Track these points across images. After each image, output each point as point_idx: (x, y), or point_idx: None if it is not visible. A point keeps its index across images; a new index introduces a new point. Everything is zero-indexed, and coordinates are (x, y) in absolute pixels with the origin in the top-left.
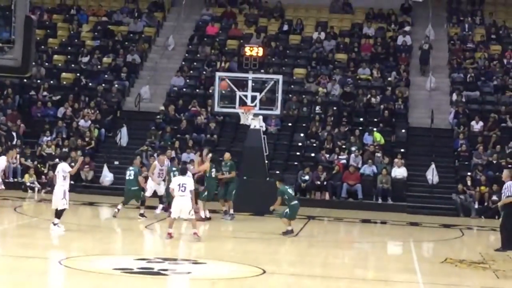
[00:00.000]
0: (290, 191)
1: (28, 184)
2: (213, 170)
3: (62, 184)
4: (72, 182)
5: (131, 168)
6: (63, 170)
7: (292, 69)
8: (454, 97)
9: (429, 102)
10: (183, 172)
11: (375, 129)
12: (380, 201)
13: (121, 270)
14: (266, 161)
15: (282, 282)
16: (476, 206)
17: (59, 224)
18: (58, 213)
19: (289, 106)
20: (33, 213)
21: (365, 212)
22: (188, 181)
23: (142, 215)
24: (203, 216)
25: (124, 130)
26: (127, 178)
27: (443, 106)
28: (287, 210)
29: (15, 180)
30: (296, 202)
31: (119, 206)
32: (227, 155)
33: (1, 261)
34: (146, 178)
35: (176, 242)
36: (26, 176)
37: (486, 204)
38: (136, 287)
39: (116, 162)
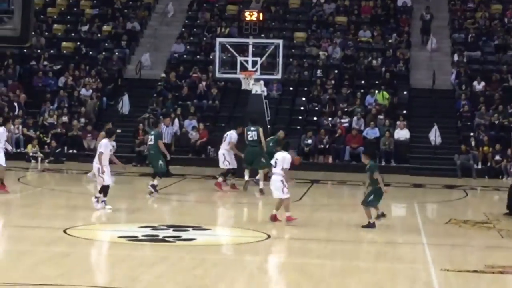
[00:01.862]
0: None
1: (31, 154)
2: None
3: (96, 160)
4: (75, 151)
5: (152, 132)
6: (101, 145)
7: (292, 33)
8: (456, 57)
9: (430, 63)
10: (284, 147)
11: (376, 91)
12: (383, 163)
13: (126, 238)
14: (268, 126)
15: (287, 246)
16: (480, 166)
17: (105, 201)
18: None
19: (290, 71)
20: (36, 183)
21: None
22: (281, 157)
23: (153, 186)
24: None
25: (125, 98)
26: (148, 143)
27: (445, 67)
28: (372, 196)
29: (18, 150)
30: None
31: (152, 182)
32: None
33: (6, 231)
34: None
35: (181, 209)
36: (29, 146)
37: (489, 164)
38: (142, 255)
39: (118, 130)
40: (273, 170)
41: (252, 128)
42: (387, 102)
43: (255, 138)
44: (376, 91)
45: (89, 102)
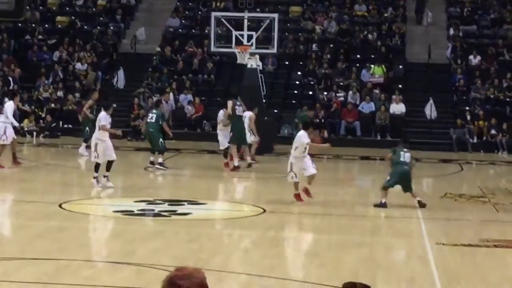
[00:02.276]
0: (401, 153)
1: (26, 129)
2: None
3: (96, 136)
4: (70, 125)
5: (154, 111)
6: (100, 119)
7: (287, 7)
8: (451, 31)
9: (426, 37)
10: (304, 126)
11: (372, 65)
12: (378, 137)
13: (121, 212)
14: (264, 100)
15: (282, 220)
16: (475, 140)
17: (98, 178)
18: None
19: (286, 45)
20: (32, 157)
21: (364, 149)
22: (297, 136)
23: (161, 164)
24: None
25: (120, 72)
26: (148, 120)
27: (440, 41)
28: (388, 177)
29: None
30: (401, 167)
31: (151, 158)
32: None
33: (2, 205)
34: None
35: (176, 184)
36: (26, 121)
37: (484, 138)
38: (137, 229)
39: (114, 105)
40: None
41: (238, 103)
42: (383, 74)
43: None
44: (372, 65)
45: (89, 75)
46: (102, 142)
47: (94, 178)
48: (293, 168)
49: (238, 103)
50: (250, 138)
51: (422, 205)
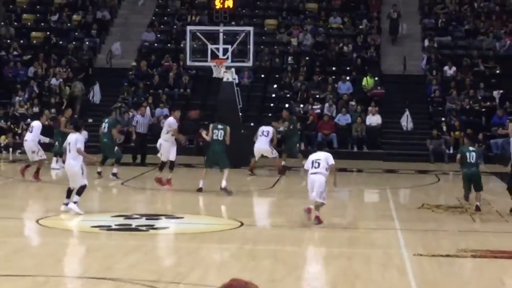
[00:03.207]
0: (467, 154)
1: (2, 145)
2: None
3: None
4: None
5: (106, 120)
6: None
7: (263, 20)
8: (426, 43)
9: (401, 49)
10: (319, 147)
11: (366, 77)
12: (355, 149)
13: (99, 227)
14: (240, 114)
15: (260, 233)
16: (451, 151)
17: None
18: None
19: (261, 58)
20: (9, 173)
21: (341, 161)
22: (323, 156)
23: (114, 174)
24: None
25: (96, 87)
26: (101, 130)
27: (415, 53)
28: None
29: None
30: (468, 169)
31: (99, 169)
32: (285, 113)
33: None
34: (122, 131)
35: (153, 198)
36: (3, 137)
37: None
38: (115, 244)
39: (90, 120)
40: (315, 169)
41: (219, 126)
42: (373, 83)
43: (221, 137)
44: (366, 77)
45: (77, 87)
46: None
47: (64, 204)
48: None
49: (219, 126)
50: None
51: (477, 209)
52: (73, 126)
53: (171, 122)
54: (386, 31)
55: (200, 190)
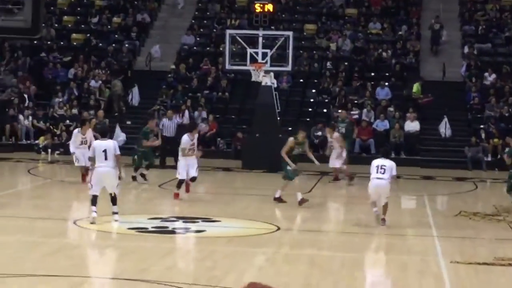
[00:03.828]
0: None
1: (41, 146)
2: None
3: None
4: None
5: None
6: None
7: (302, 25)
8: (466, 49)
9: (440, 55)
10: (385, 154)
11: (416, 83)
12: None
13: (135, 229)
14: (278, 118)
15: (296, 238)
16: (490, 158)
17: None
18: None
19: (300, 62)
20: (47, 174)
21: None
22: (389, 164)
23: (134, 178)
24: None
25: (135, 89)
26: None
27: (455, 59)
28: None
29: (28, 142)
30: None
31: (145, 171)
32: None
33: (17, 222)
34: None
35: (190, 201)
36: (42, 138)
37: (499, 156)
38: (151, 247)
39: (128, 122)
40: (380, 175)
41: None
42: (420, 91)
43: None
44: (416, 84)
45: (117, 88)
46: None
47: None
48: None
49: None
50: None
51: None
52: (98, 132)
53: (183, 140)
54: (425, 37)
55: (303, 201)
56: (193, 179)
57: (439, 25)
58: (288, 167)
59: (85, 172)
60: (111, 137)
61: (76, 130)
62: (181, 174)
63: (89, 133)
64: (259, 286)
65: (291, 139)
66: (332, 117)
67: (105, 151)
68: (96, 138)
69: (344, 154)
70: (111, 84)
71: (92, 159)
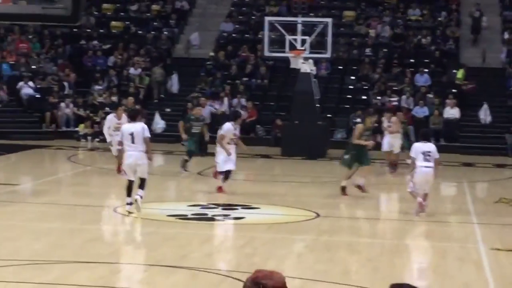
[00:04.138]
0: None
1: (81, 133)
2: None
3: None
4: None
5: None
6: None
7: (341, 12)
8: (506, 35)
9: (480, 41)
10: (425, 136)
11: (458, 70)
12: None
13: (175, 216)
14: (317, 105)
15: (336, 225)
16: None
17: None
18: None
19: (339, 49)
20: (87, 162)
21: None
22: (433, 149)
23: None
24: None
25: (174, 77)
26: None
27: (495, 45)
28: None
29: (68, 129)
30: None
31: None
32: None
33: (57, 209)
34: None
35: (230, 188)
36: (82, 126)
37: None
38: (191, 233)
39: (168, 109)
40: (427, 163)
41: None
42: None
43: None
44: (461, 70)
45: (157, 75)
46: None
47: (128, 204)
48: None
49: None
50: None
51: None
52: (128, 115)
53: (225, 128)
54: (465, 23)
55: (359, 188)
56: (228, 173)
57: (479, 12)
58: (346, 156)
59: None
60: (149, 124)
61: (110, 115)
62: (220, 165)
63: (125, 119)
64: (266, 272)
65: (359, 125)
66: (372, 104)
67: (132, 134)
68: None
69: (399, 140)
70: (151, 71)
71: (121, 143)
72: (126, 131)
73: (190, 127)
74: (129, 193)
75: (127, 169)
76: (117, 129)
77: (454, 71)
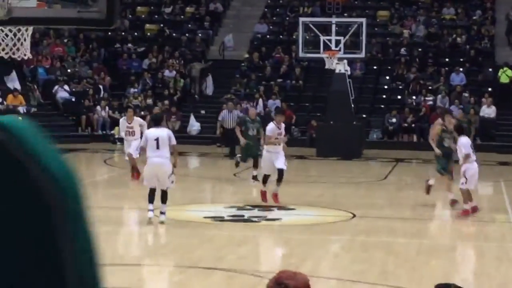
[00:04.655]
0: None
1: (117, 136)
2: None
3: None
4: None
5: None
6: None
7: (375, 12)
8: None
9: None
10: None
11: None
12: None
13: (211, 218)
14: (352, 105)
15: (372, 225)
16: None
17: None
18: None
19: (374, 49)
20: (122, 164)
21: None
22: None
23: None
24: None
25: (209, 79)
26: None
27: None
28: None
29: (104, 132)
30: None
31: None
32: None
33: (94, 212)
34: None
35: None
36: (117, 129)
37: None
38: (228, 235)
39: (203, 111)
40: (475, 157)
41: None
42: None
43: None
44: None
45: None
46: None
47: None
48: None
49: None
50: None
51: None
52: (152, 119)
53: (268, 128)
54: (500, 22)
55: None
56: (281, 172)
57: None
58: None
59: (133, 166)
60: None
61: (122, 119)
62: (264, 168)
63: (136, 122)
64: (289, 273)
65: (438, 126)
66: (407, 103)
67: (157, 139)
68: (149, 127)
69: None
70: (189, 66)
71: (143, 149)
72: (151, 136)
73: (247, 130)
74: (151, 200)
75: (149, 176)
76: (129, 133)
77: (490, 69)
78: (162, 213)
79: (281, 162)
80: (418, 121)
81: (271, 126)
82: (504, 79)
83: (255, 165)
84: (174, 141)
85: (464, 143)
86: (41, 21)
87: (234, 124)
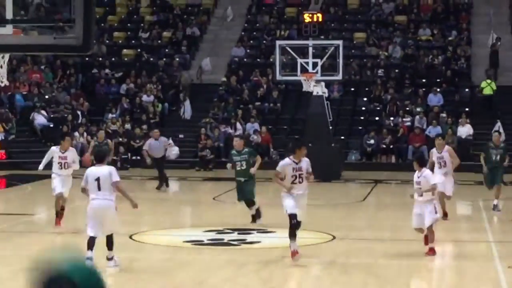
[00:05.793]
0: None
1: (95, 162)
2: None
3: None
4: (138, 157)
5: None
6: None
7: (352, 34)
8: None
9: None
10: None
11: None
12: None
13: (191, 242)
14: (330, 127)
15: (352, 247)
16: None
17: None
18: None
19: (351, 71)
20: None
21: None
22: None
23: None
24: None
25: (187, 103)
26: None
27: (507, 63)
28: None
29: (83, 158)
30: None
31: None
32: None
33: (74, 238)
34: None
35: (244, 212)
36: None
37: None
38: (207, 259)
39: (181, 136)
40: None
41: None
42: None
43: None
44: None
45: (183, 77)
46: None
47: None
48: None
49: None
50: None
51: None
52: (94, 155)
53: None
54: (476, 42)
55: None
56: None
57: (499, 43)
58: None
59: (60, 209)
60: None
61: (54, 147)
62: (289, 207)
63: (71, 152)
64: None
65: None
66: (384, 125)
67: (98, 179)
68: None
69: (452, 178)
70: (179, 75)
71: (84, 190)
72: (91, 176)
73: (235, 165)
74: (89, 248)
75: (92, 222)
76: (61, 165)
77: (466, 90)
78: (109, 259)
79: (302, 212)
80: (396, 142)
81: (285, 161)
82: (488, 91)
83: (249, 205)
84: (116, 178)
85: (428, 175)
86: (18, 48)
87: (160, 152)
